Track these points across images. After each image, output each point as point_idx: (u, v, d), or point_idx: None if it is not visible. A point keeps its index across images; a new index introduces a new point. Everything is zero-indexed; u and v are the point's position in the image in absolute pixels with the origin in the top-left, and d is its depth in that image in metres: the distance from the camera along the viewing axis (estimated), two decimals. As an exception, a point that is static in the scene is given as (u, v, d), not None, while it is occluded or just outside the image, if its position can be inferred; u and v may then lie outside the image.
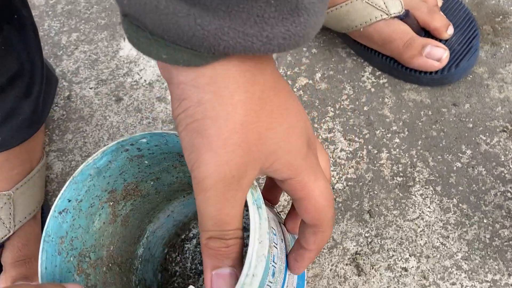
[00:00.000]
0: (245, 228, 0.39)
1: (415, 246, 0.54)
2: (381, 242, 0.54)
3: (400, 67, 0.64)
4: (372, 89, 0.65)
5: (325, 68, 0.68)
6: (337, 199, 0.57)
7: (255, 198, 0.34)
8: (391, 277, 0.52)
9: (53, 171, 0.65)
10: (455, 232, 0.54)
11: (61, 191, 0.38)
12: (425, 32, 0.63)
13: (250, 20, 0.25)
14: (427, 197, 0.57)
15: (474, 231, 0.54)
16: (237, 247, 0.32)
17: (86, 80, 0.72)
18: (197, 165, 0.30)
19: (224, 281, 0.32)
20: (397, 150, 0.60)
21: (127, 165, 0.41)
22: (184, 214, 0.54)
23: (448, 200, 0.56)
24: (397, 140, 0.61)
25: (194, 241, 0.55)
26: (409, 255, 0.53)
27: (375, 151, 0.60)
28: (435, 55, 0.61)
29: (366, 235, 0.55)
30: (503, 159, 0.58)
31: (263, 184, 0.44)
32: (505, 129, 0.60)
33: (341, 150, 0.61)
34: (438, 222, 0.55)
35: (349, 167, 0.59)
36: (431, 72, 0.62)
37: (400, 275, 0.52)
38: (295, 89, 0.66)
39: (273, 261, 0.37)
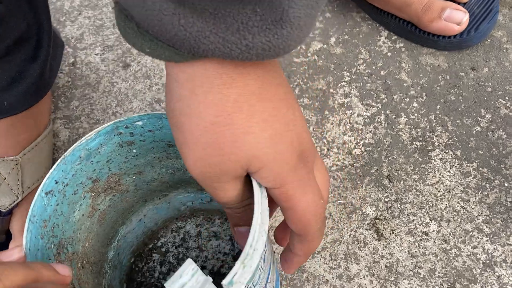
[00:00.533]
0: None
1: (435, 210, 0.53)
2: (401, 206, 0.54)
3: (418, 31, 0.62)
4: (389, 54, 0.64)
5: (339, 33, 0.66)
6: (355, 164, 0.56)
7: None
8: (411, 242, 0.52)
9: (59, 139, 0.63)
10: (475, 196, 0.53)
11: (51, 170, 0.37)
12: (443, -6, 0.61)
13: (233, 26, 0.25)
14: (446, 161, 0.56)
15: (495, 195, 0.53)
16: (247, 213, 0.34)
17: (92, 46, 0.70)
18: (182, 157, 0.32)
19: (243, 236, 0.36)
20: (416, 114, 0.59)
21: (115, 152, 0.40)
22: (154, 221, 0.53)
23: (468, 164, 0.55)
24: (416, 105, 0.59)
25: (163, 249, 0.53)
26: (430, 219, 0.53)
27: (393, 116, 0.59)
28: (455, 18, 0.60)
29: (386, 200, 0.54)
30: (523, 123, 0.57)
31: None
32: (525, 93, 0.59)
33: (358, 115, 0.59)
34: (458, 186, 0.54)
35: (367, 132, 0.58)
36: (449, 36, 0.61)
37: (421, 239, 0.52)
38: (309, 54, 0.64)
39: (265, 247, 0.37)
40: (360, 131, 0.58)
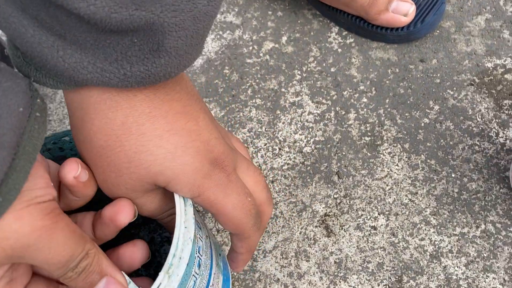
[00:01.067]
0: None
1: (383, 204, 0.54)
2: (350, 202, 0.54)
3: (367, 25, 0.62)
4: (339, 50, 0.64)
5: (291, 31, 0.66)
6: (305, 162, 0.57)
7: None
8: (360, 236, 0.52)
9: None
10: (423, 188, 0.54)
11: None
12: (389, -12, 0.62)
13: (112, 56, 0.27)
14: (395, 155, 0.56)
15: (442, 186, 0.54)
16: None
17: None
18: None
19: None
20: (365, 109, 0.59)
21: None
22: None
23: (416, 157, 0.56)
24: (365, 100, 0.60)
25: None
26: (378, 214, 0.53)
27: (343, 112, 0.60)
28: (402, 10, 0.60)
29: (335, 196, 0.55)
30: (470, 113, 0.57)
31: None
32: (472, 82, 0.59)
33: (309, 113, 0.60)
34: (406, 179, 0.55)
35: (317, 130, 0.59)
36: (397, 29, 0.61)
37: (370, 234, 0.52)
38: (261, 54, 0.65)
39: (199, 253, 0.37)
40: (310, 129, 0.59)
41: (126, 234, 0.54)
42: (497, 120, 0.57)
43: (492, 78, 0.59)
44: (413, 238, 0.52)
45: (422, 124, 0.58)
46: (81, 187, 0.31)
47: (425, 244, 0.51)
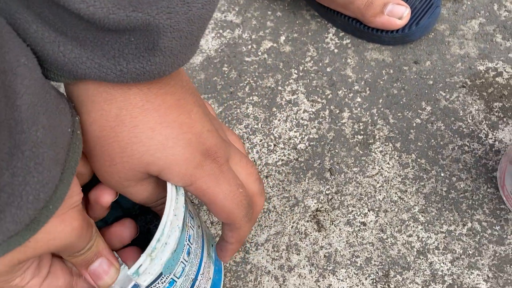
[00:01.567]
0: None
1: (374, 201, 0.55)
2: (341, 198, 0.56)
3: (363, 27, 0.64)
4: (336, 50, 0.65)
5: (289, 31, 0.68)
6: (299, 158, 0.59)
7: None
8: (350, 232, 0.54)
9: None
10: (413, 187, 0.55)
11: None
12: (385, -10, 0.63)
13: (110, 53, 0.28)
14: (386, 153, 0.58)
15: (431, 185, 0.55)
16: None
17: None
18: None
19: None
20: (359, 109, 0.61)
21: None
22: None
23: (407, 156, 0.57)
24: (359, 99, 0.61)
25: None
26: (368, 210, 0.55)
27: (337, 111, 0.61)
28: (397, 13, 0.61)
29: (327, 192, 0.56)
30: (461, 114, 0.59)
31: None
32: (464, 84, 0.61)
33: (304, 111, 0.62)
34: (396, 177, 0.56)
35: (312, 128, 0.60)
36: (392, 31, 0.63)
37: (359, 230, 0.54)
38: (259, 53, 0.66)
39: (189, 241, 0.39)
40: (305, 127, 0.60)
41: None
42: (487, 122, 0.58)
43: (483, 80, 0.61)
44: (401, 235, 0.53)
45: (414, 124, 0.59)
46: (104, 210, 0.36)
47: (412, 240, 0.53)
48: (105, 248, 0.35)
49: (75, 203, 0.31)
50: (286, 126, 0.61)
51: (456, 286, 0.50)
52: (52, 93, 0.29)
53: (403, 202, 0.55)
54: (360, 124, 0.60)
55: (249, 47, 0.67)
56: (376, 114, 0.60)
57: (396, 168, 0.57)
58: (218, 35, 0.69)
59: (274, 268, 0.53)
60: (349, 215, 0.55)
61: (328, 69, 0.64)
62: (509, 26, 0.64)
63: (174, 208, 0.35)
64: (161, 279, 0.36)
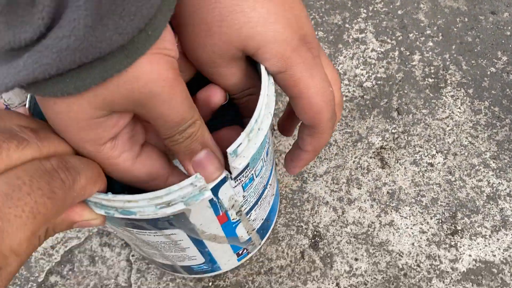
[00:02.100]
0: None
1: (442, 143, 0.53)
2: (407, 138, 0.53)
3: (439, -27, 0.61)
4: (408, -5, 0.63)
5: (359, -27, 0.65)
6: (365, 96, 0.56)
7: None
8: (416, 171, 0.51)
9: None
10: (484, 133, 0.53)
11: None
12: None
13: None
14: (458, 98, 0.55)
15: (504, 133, 0.53)
16: (251, 103, 0.33)
17: None
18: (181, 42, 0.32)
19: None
20: (430, 53, 0.58)
21: None
22: None
23: (480, 103, 0.55)
24: (431, 44, 0.59)
25: None
26: (436, 152, 0.52)
27: (407, 53, 0.58)
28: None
29: (393, 131, 0.54)
30: (540, 67, 0.56)
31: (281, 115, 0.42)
32: (544, 38, 0.58)
33: (372, 50, 0.59)
34: (467, 122, 0.53)
35: (380, 67, 0.58)
36: (471, -21, 0.60)
37: (426, 170, 0.51)
38: (327, -10, 0.64)
39: (268, 140, 0.37)
40: (372, 66, 0.58)
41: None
42: None
43: None
44: (470, 178, 0.50)
45: (488, 73, 0.56)
46: (210, 114, 0.34)
47: (482, 185, 0.50)
48: (211, 140, 0.31)
49: (167, 51, 0.27)
50: (352, 63, 0.58)
51: (527, 234, 0.47)
52: None
53: (473, 147, 0.52)
54: (432, 67, 0.57)
55: (317, -16, 0.65)
56: (449, 60, 0.57)
57: (468, 114, 0.54)
58: (285, -30, 0.66)
59: (333, 200, 0.50)
60: (415, 155, 0.52)
61: (399, 12, 0.61)
62: None
63: (268, 92, 0.33)
64: (245, 172, 0.34)
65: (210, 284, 0.47)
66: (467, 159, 0.51)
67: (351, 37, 0.60)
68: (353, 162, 0.52)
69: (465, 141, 0.52)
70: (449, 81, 0.56)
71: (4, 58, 0.23)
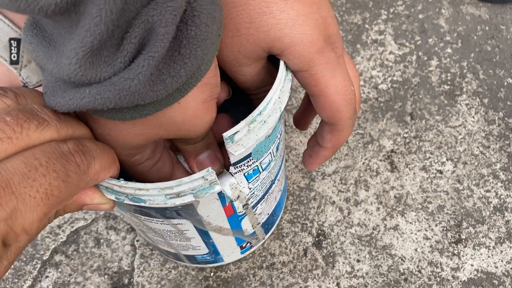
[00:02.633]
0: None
1: (453, 151, 0.52)
2: (419, 143, 0.53)
3: (463, -21, 0.61)
4: (430, -1, 0.62)
5: (383, -27, 0.65)
6: (379, 98, 0.56)
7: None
8: (424, 177, 0.51)
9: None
10: (496, 144, 0.53)
11: None
12: None
13: None
14: (472, 107, 0.55)
15: (517, 145, 0.52)
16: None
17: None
18: None
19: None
20: (448, 59, 0.58)
21: None
22: None
23: (494, 113, 0.54)
24: (449, 50, 0.58)
25: None
26: (446, 159, 0.52)
27: (425, 58, 0.58)
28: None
29: (405, 135, 0.54)
30: (558, 81, 0.56)
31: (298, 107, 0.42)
32: None
33: (390, 52, 0.59)
34: (480, 132, 0.53)
35: (396, 70, 0.57)
36: (495, -13, 0.59)
37: (435, 177, 0.51)
38: (349, -11, 0.64)
39: (280, 136, 0.37)
40: (389, 68, 0.58)
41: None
42: None
43: None
44: (478, 188, 0.50)
45: (505, 83, 0.56)
46: None
47: (490, 196, 0.50)
48: (214, 143, 0.35)
49: (217, 93, 0.30)
50: (369, 64, 0.58)
51: (532, 249, 0.47)
52: None
53: (484, 157, 0.52)
54: (448, 74, 0.57)
55: (339, -18, 0.64)
56: (466, 67, 0.57)
57: (481, 123, 0.54)
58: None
59: (340, 200, 0.51)
60: (425, 161, 0.52)
61: (420, 16, 0.61)
62: None
63: (281, 87, 0.33)
64: (248, 161, 0.34)
65: (212, 274, 0.48)
66: (476, 169, 0.51)
67: (370, 38, 0.60)
68: (363, 163, 0.52)
69: (476, 150, 0.52)
70: (465, 89, 0.56)
71: (76, 84, 0.25)
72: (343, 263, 0.48)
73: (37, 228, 0.24)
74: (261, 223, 0.44)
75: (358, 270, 0.47)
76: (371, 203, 0.50)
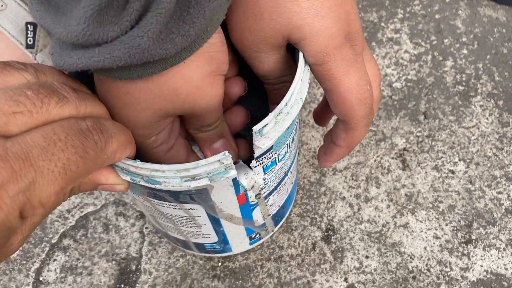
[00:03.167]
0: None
1: (466, 152, 0.52)
2: (431, 143, 0.53)
3: (481, -19, 0.60)
4: (447, 0, 0.62)
5: (400, -27, 0.65)
6: (393, 96, 0.56)
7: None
8: (436, 177, 0.51)
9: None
10: (510, 146, 0.52)
11: None
12: None
13: None
14: (486, 109, 0.54)
15: (530, 148, 0.52)
16: (285, 90, 0.33)
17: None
18: (227, 23, 0.32)
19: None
20: (463, 60, 0.58)
21: None
22: None
23: (509, 115, 0.54)
24: (465, 51, 0.58)
25: None
26: (459, 160, 0.52)
27: (440, 58, 0.58)
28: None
29: (418, 134, 0.53)
30: None
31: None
32: None
33: (405, 51, 0.59)
34: (494, 133, 0.53)
35: (411, 69, 0.57)
36: (513, -10, 0.59)
37: (446, 176, 0.51)
38: (366, -13, 0.63)
39: (295, 127, 0.37)
40: (404, 67, 0.58)
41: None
42: None
43: None
44: (490, 190, 0.50)
45: (521, 86, 0.56)
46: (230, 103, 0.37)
47: (502, 198, 0.50)
48: (228, 132, 0.36)
49: (223, 70, 0.30)
50: (384, 62, 0.58)
51: (542, 252, 0.47)
52: None
53: (497, 159, 0.52)
54: (463, 75, 0.57)
55: (356, -20, 0.64)
56: (481, 69, 0.57)
57: (495, 125, 0.53)
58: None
59: (350, 196, 0.50)
60: (438, 160, 0.52)
61: (436, 16, 0.61)
62: None
63: (302, 78, 0.33)
64: (268, 154, 0.34)
65: (220, 264, 0.48)
66: (489, 170, 0.51)
67: (385, 36, 0.60)
68: (374, 160, 0.52)
69: (489, 152, 0.52)
70: (479, 91, 0.56)
71: (84, 46, 0.25)
72: (352, 258, 0.47)
73: (53, 202, 0.24)
74: (271, 215, 0.43)
75: (366, 266, 0.47)
76: (382, 200, 0.50)
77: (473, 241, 0.48)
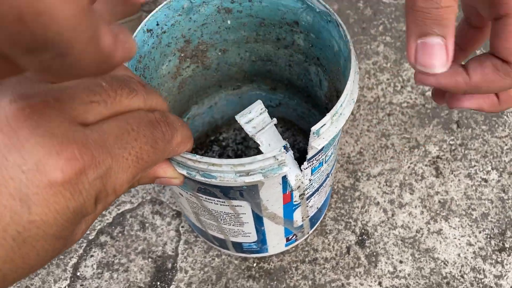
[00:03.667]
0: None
1: (499, 161, 0.53)
2: (464, 151, 0.53)
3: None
4: (479, 12, 0.63)
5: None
6: (426, 105, 0.56)
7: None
8: (469, 185, 0.52)
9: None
10: (543, 157, 0.53)
11: (155, 10, 0.38)
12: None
13: None
14: (520, 119, 0.55)
15: None
16: (451, 14, 0.25)
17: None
18: None
19: (431, 52, 0.25)
20: (496, 71, 0.58)
21: (212, 17, 0.41)
22: (222, 113, 0.53)
23: (542, 126, 0.54)
24: (498, 62, 0.59)
25: (224, 143, 0.55)
26: (492, 169, 0.52)
27: (473, 68, 0.59)
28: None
29: (451, 142, 0.54)
30: None
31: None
32: None
33: (438, 61, 0.59)
34: (527, 144, 0.53)
35: (443, 78, 0.58)
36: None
37: (479, 185, 0.51)
38: (399, -2, 0.64)
39: (340, 131, 0.38)
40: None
41: (236, 126, 0.55)
42: None
43: None
44: (524, 199, 0.50)
45: (553, 98, 0.56)
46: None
47: (536, 207, 0.50)
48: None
49: None
50: (416, 71, 0.59)
51: None
52: None
53: (531, 169, 0.52)
54: (496, 85, 0.57)
55: (389, -10, 0.65)
56: (514, 80, 0.57)
57: (528, 135, 0.54)
58: (359, -27, 0.67)
59: (384, 201, 0.51)
60: (471, 168, 0.52)
61: (469, 27, 0.62)
62: None
63: (354, 79, 0.34)
64: (318, 155, 0.35)
65: (255, 265, 0.48)
66: (522, 180, 0.51)
67: (418, 46, 0.60)
68: (408, 167, 0.53)
69: (523, 162, 0.52)
70: (512, 101, 0.56)
71: None
72: (386, 263, 0.48)
73: (124, 190, 0.25)
74: (310, 216, 0.44)
75: (400, 271, 0.47)
76: (416, 206, 0.51)
77: (507, 249, 0.48)
